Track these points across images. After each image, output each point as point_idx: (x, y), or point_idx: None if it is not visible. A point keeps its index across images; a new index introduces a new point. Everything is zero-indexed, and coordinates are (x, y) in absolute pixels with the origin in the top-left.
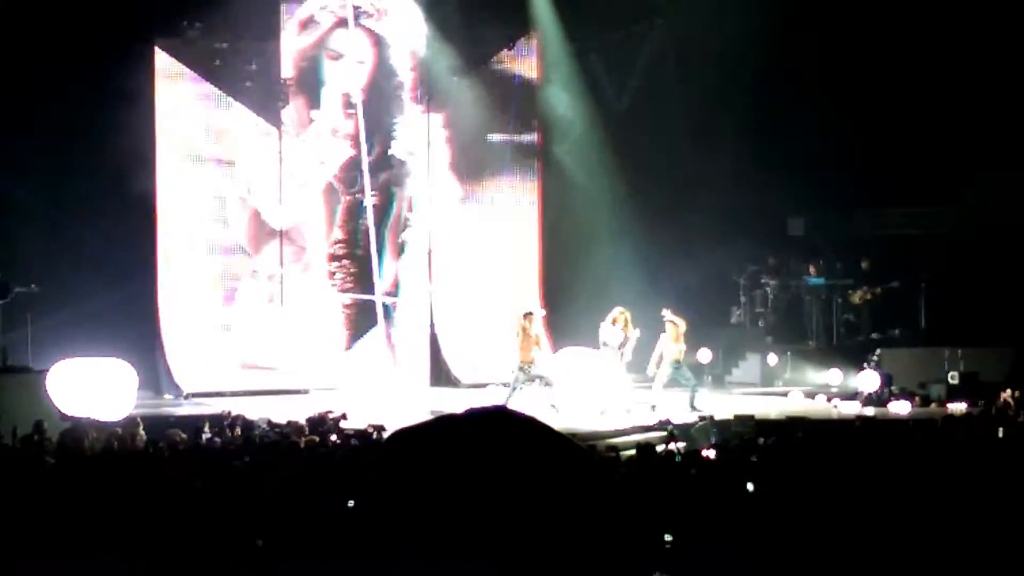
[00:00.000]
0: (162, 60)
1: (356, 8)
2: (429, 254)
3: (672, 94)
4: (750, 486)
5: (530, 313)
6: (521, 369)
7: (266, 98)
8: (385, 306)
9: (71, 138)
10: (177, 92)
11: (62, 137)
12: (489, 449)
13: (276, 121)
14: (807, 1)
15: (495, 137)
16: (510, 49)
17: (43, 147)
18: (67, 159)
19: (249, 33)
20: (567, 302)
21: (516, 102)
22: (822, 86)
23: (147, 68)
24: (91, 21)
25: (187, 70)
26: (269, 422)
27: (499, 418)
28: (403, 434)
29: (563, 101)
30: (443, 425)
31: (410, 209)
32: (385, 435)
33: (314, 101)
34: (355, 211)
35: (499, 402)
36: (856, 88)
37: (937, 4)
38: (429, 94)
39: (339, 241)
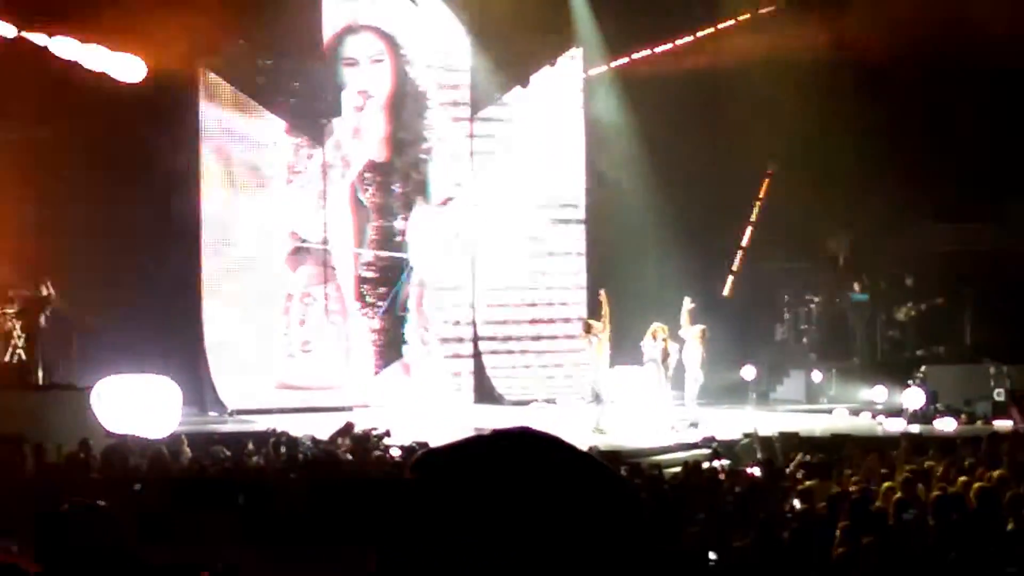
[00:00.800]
0: (206, 78)
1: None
2: (472, 271)
3: (716, 109)
4: (796, 503)
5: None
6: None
7: (309, 114)
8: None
9: (115, 156)
10: (221, 110)
11: (107, 155)
12: (512, 471)
13: (320, 138)
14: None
15: (537, 150)
16: (552, 65)
17: (87, 164)
18: (112, 176)
19: (292, 50)
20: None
21: (559, 117)
22: (866, 102)
23: (191, 86)
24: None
25: (230, 87)
26: (313, 439)
27: (523, 439)
28: (428, 457)
29: (607, 116)
30: (468, 447)
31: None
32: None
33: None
34: (386, 231)
35: (592, 418)
36: (899, 103)
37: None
38: (473, 109)
39: (369, 263)
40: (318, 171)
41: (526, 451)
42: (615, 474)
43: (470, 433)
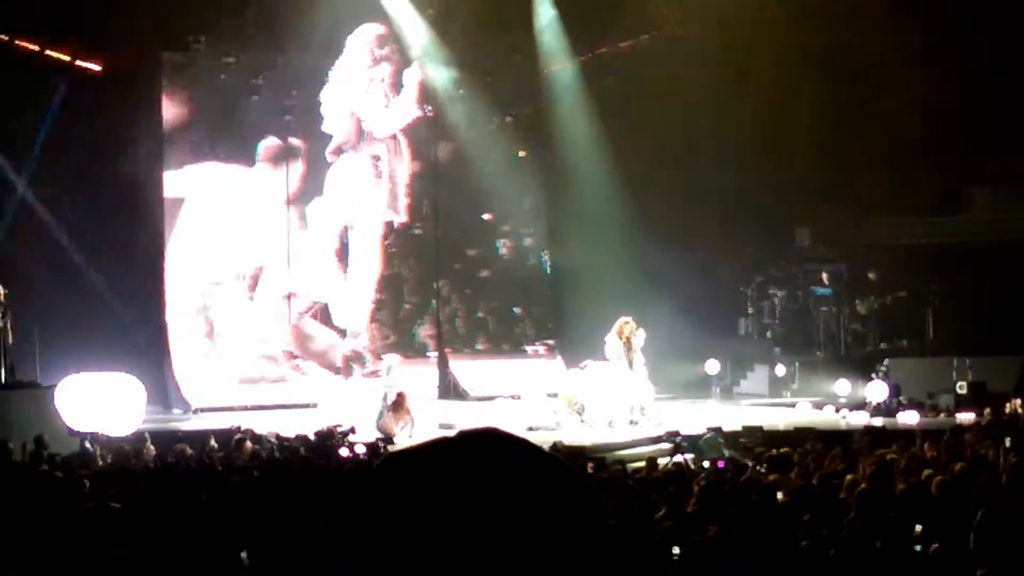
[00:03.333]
0: (168, 75)
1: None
2: (436, 267)
3: (676, 104)
4: (779, 495)
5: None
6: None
7: (274, 112)
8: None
9: (78, 152)
10: (184, 105)
11: (69, 152)
12: (477, 473)
13: (283, 135)
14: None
15: (500, 150)
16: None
17: (50, 162)
18: (77, 173)
19: (256, 47)
20: (576, 315)
21: (522, 114)
22: (828, 93)
23: (154, 82)
24: (98, 37)
25: (193, 85)
26: (278, 436)
27: (488, 440)
28: (394, 458)
29: (569, 113)
30: (433, 449)
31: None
32: (392, 448)
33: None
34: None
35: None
36: (861, 95)
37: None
38: (432, 107)
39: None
40: (283, 166)
41: (491, 453)
42: (578, 475)
43: (435, 429)
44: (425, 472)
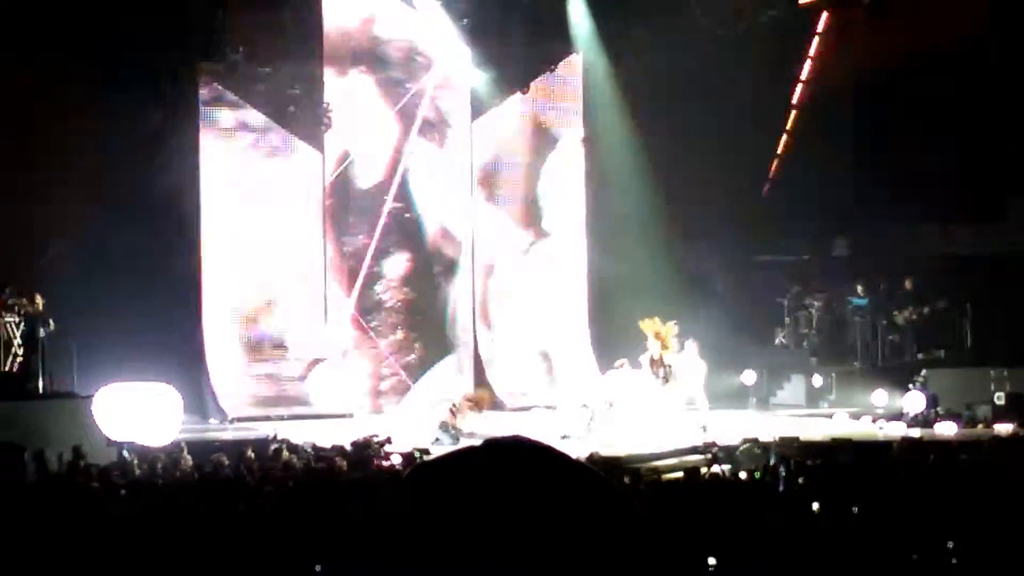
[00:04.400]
0: (205, 86)
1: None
2: (472, 279)
3: (712, 112)
4: (815, 506)
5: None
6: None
7: (310, 122)
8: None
9: (117, 166)
10: (221, 118)
11: (109, 165)
12: (503, 480)
13: (320, 145)
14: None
15: (539, 158)
16: (552, 71)
17: (90, 173)
18: (116, 185)
19: (291, 57)
20: (613, 324)
21: (559, 122)
22: (864, 104)
23: (191, 95)
24: (134, 48)
25: (230, 95)
26: (314, 446)
27: (515, 448)
28: (423, 468)
29: (606, 121)
30: (462, 457)
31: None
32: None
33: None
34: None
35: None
36: (900, 107)
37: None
38: (473, 116)
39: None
40: (319, 180)
41: (518, 460)
42: (607, 481)
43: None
44: (455, 480)
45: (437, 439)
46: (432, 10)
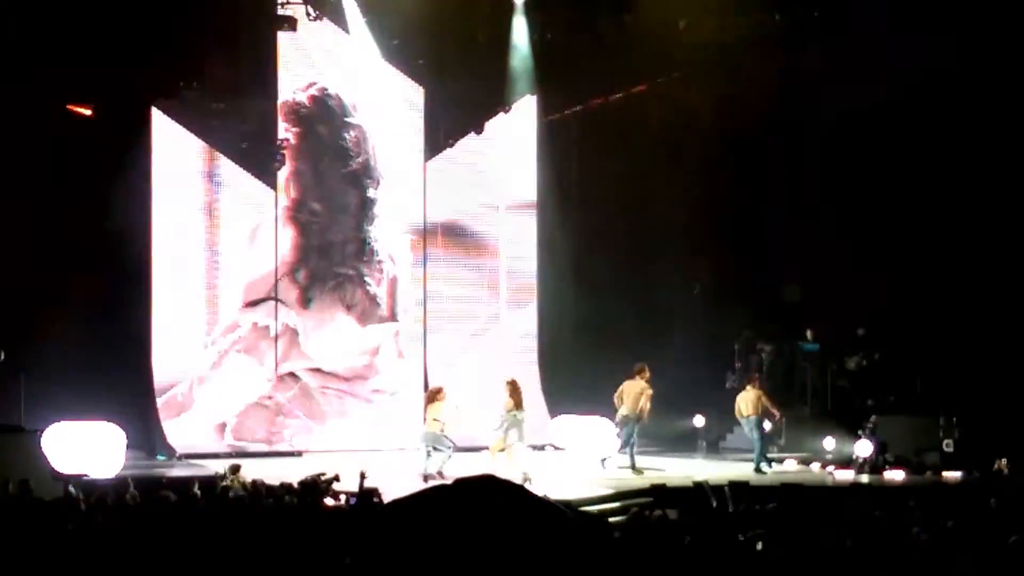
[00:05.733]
0: (159, 122)
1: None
2: (424, 319)
3: (666, 161)
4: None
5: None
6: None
7: (262, 159)
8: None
9: (68, 202)
10: (174, 155)
11: (59, 200)
12: (482, 518)
13: (272, 182)
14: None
15: (491, 198)
16: (506, 112)
17: (41, 211)
18: (64, 222)
19: (245, 93)
20: (565, 365)
21: (512, 164)
22: (819, 154)
23: (144, 131)
24: (88, 83)
25: (184, 131)
26: (262, 483)
27: (487, 487)
28: (400, 504)
29: (558, 164)
30: (434, 496)
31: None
32: (377, 499)
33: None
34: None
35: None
36: (852, 158)
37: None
38: (427, 155)
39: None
40: (270, 213)
41: (490, 499)
42: (575, 520)
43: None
44: (428, 519)
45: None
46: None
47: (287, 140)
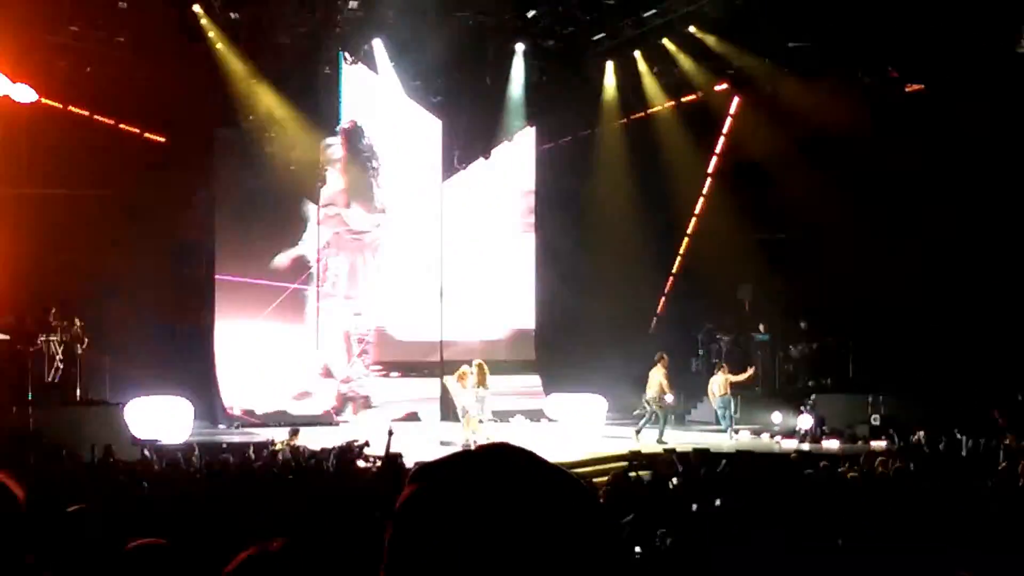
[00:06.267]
0: (220, 147)
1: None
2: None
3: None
4: (718, 502)
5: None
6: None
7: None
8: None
9: (146, 214)
10: (232, 173)
11: (139, 213)
12: (501, 480)
13: (315, 197)
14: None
15: (496, 212)
16: (509, 141)
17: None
18: (143, 231)
19: (294, 123)
20: (558, 351)
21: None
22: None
23: (211, 155)
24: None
25: (240, 156)
26: (305, 448)
27: (505, 453)
28: (426, 469)
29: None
30: (461, 460)
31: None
32: (400, 462)
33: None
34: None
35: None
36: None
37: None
38: (444, 175)
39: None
40: (313, 218)
41: (510, 463)
42: (580, 482)
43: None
44: (457, 480)
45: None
46: (410, 90)
47: (328, 161)
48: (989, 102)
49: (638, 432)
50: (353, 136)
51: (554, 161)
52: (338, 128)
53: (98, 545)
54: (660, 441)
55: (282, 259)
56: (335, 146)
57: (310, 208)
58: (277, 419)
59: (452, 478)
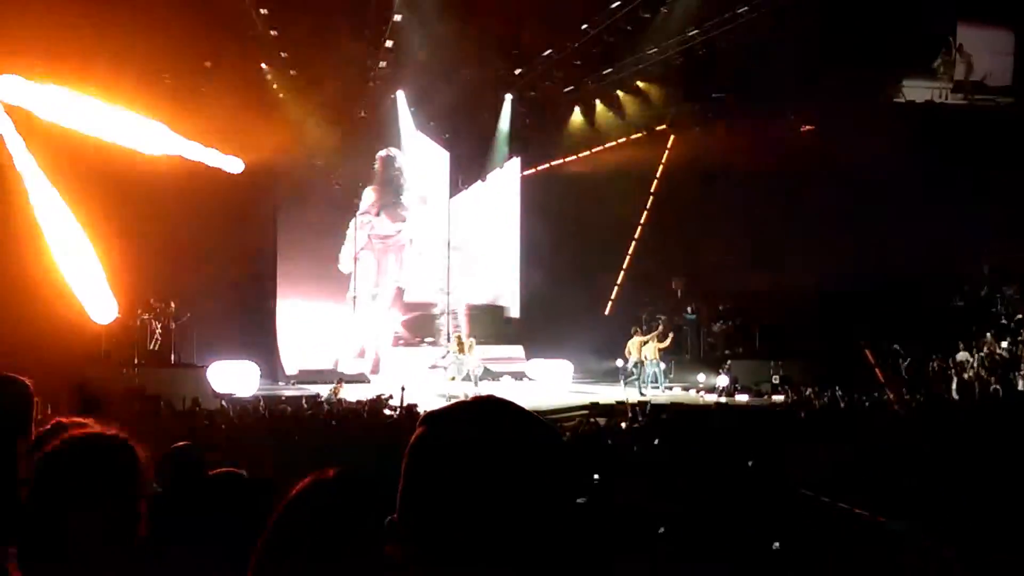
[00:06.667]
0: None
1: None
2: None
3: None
4: (656, 441)
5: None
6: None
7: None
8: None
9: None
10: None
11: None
12: (492, 424)
13: (352, 205)
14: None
15: (490, 221)
16: (501, 168)
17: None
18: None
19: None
20: (537, 326)
21: (505, 200)
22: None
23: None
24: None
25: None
26: (344, 400)
27: (493, 402)
28: (433, 414)
29: (534, 201)
30: (459, 407)
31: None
32: (417, 411)
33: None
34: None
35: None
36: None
37: None
38: (451, 193)
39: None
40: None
41: (497, 410)
42: (550, 424)
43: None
44: (456, 422)
45: (445, 365)
46: (425, 129)
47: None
48: (869, 140)
49: (640, 390)
50: (387, 163)
51: (534, 183)
52: (377, 156)
53: (192, 470)
54: (642, 393)
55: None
56: (374, 169)
57: (350, 213)
58: (324, 378)
59: (451, 421)
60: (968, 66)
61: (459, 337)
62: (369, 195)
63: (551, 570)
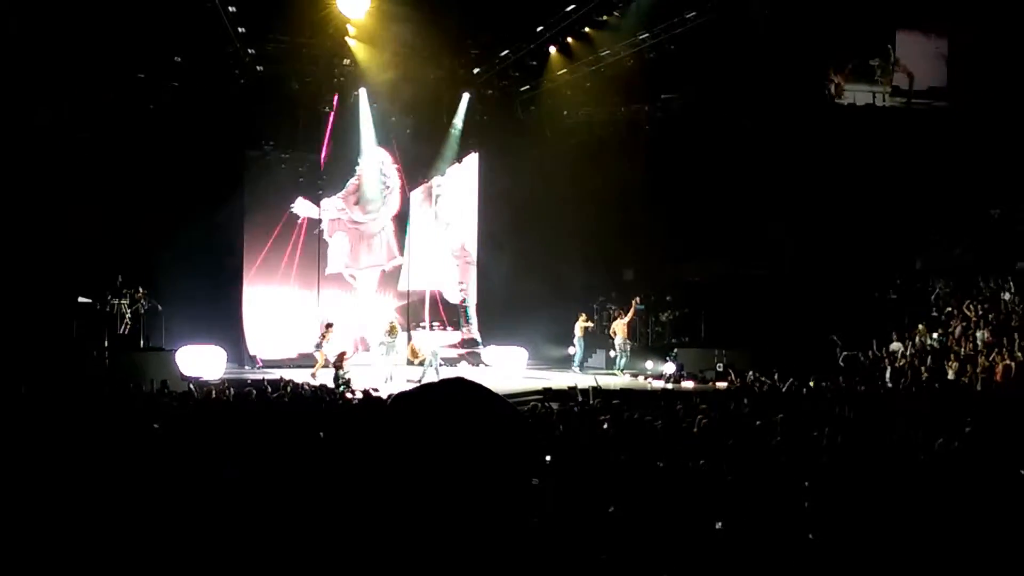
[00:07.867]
0: (249, 163)
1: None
2: (407, 275)
3: (558, 192)
4: (605, 426)
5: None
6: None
7: (310, 187)
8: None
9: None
10: (259, 186)
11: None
12: (458, 402)
13: (316, 199)
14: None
15: (450, 210)
16: (459, 162)
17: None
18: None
19: (302, 148)
20: (494, 313)
21: (463, 192)
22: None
23: (241, 168)
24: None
25: (266, 170)
26: (308, 384)
27: (461, 383)
28: (401, 395)
29: (491, 192)
30: (427, 389)
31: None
32: (377, 394)
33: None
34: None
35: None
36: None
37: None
38: (411, 186)
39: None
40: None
41: (464, 390)
42: (514, 407)
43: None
44: (425, 403)
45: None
46: (387, 125)
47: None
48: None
49: (621, 370)
50: (346, 159)
51: (491, 176)
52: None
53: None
54: (621, 371)
55: (299, 244)
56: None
57: (312, 207)
58: (287, 363)
59: (422, 399)
60: (906, 73)
61: (392, 323)
62: (346, 185)
63: (503, 538)
